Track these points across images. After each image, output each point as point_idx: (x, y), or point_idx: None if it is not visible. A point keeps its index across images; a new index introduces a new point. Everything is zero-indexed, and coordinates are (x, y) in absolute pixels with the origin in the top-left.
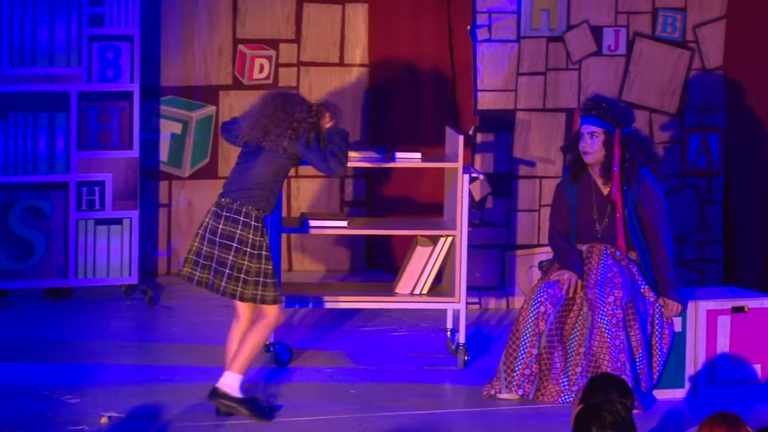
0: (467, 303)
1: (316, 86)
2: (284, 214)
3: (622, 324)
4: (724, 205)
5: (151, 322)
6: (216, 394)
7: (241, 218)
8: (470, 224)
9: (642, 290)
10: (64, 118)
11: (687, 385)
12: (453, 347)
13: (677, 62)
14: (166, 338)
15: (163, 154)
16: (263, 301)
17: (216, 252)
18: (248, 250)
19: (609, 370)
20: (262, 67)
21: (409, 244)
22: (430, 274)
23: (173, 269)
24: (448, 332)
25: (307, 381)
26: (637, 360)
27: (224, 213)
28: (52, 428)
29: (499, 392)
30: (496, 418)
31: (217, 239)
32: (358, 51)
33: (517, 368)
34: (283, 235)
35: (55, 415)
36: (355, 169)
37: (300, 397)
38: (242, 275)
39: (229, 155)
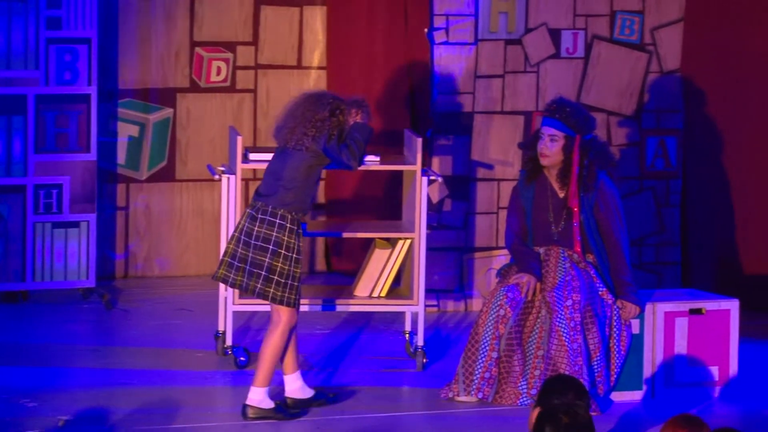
0: (425, 306)
1: (273, 89)
2: None
3: (580, 327)
4: (681, 207)
5: (109, 325)
6: (246, 411)
7: (277, 221)
8: (428, 227)
9: (600, 293)
10: (21, 121)
11: (644, 386)
12: (411, 350)
13: (635, 65)
14: (124, 341)
15: (121, 157)
16: (289, 304)
17: (251, 254)
18: (283, 252)
19: (567, 373)
20: (219, 69)
21: (368, 246)
22: (389, 277)
23: (131, 272)
24: (407, 335)
25: None
26: (595, 364)
27: (260, 216)
28: (9, 431)
29: (458, 395)
30: (454, 421)
31: (252, 241)
32: (316, 54)
33: (476, 372)
34: None
35: (12, 418)
36: None
37: None
38: (275, 277)
39: (187, 158)
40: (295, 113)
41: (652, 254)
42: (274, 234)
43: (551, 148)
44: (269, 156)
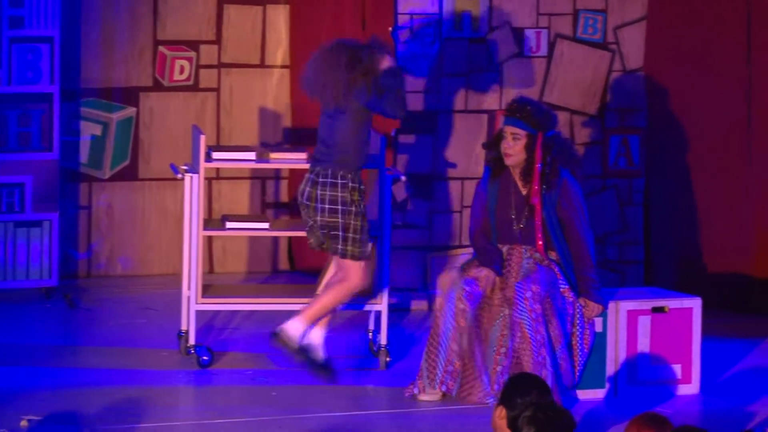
0: (389, 304)
1: (237, 88)
2: (205, 215)
3: (542, 319)
4: (644, 206)
5: (72, 324)
6: (277, 335)
7: (339, 181)
8: (392, 225)
9: (561, 290)
10: None
11: (607, 385)
12: (375, 349)
13: (598, 63)
14: (87, 341)
15: (84, 156)
16: (345, 255)
17: (326, 218)
18: (353, 209)
19: (531, 364)
20: (182, 68)
21: None
22: None
23: (94, 272)
24: (370, 334)
25: (228, 383)
26: (558, 354)
27: (320, 179)
28: None
29: (422, 391)
30: (418, 420)
31: (320, 205)
32: (279, 52)
33: (439, 365)
34: (205, 237)
35: None
36: (277, 170)
37: (221, 399)
38: (351, 234)
39: (150, 157)
40: (325, 73)
41: (615, 253)
42: (339, 194)
43: (514, 147)
44: (232, 155)
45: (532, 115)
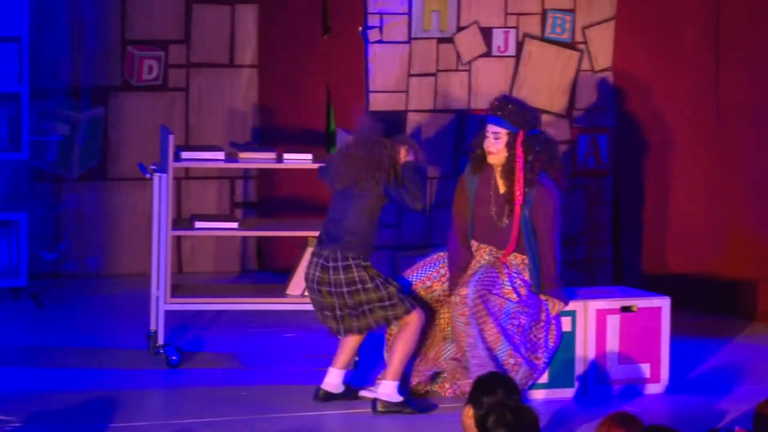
0: None
1: (205, 87)
2: (174, 215)
3: (473, 321)
4: (613, 205)
5: (41, 324)
6: (376, 405)
7: (350, 263)
8: None
9: (505, 291)
10: None
11: (576, 384)
12: None
13: (566, 63)
14: (56, 341)
15: (52, 156)
16: (407, 313)
17: (348, 301)
18: (370, 285)
19: (470, 365)
20: (151, 68)
21: (300, 245)
22: None
23: (63, 271)
24: None
25: (197, 383)
26: (498, 354)
27: (331, 264)
28: None
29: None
30: (387, 419)
31: (336, 290)
32: (248, 52)
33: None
34: (174, 237)
35: None
36: (245, 170)
37: (190, 399)
38: (379, 304)
39: (119, 157)
40: (353, 160)
41: (584, 252)
42: (356, 274)
43: (496, 145)
44: (201, 154)
45: (512, 113)
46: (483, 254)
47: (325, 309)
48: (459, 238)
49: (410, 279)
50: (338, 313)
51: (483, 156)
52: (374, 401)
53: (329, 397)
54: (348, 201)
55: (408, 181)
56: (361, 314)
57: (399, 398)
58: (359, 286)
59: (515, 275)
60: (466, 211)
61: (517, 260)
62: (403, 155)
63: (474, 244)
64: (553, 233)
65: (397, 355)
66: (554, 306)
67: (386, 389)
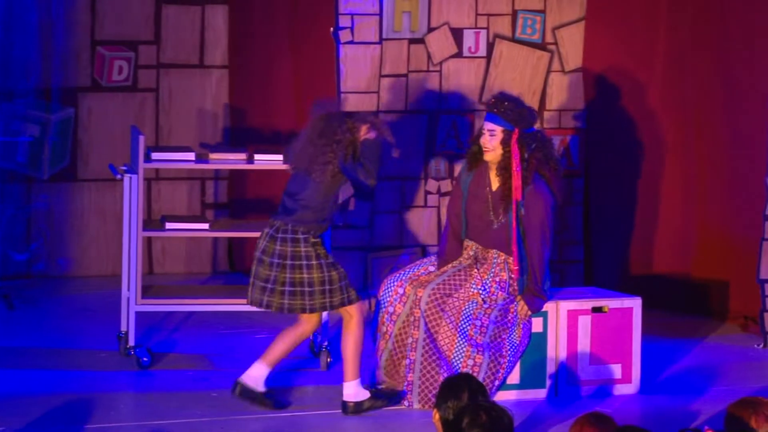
0: None
1: (176, 88)
2: (145, 216)
3: (421, 322)
4: (584, 206)
5: (10, 325)
6: (346, 407)
7: (299, 236)
8: (333, 226)
9: (471, 294)
10: None
11: (548, 384)
12: (316, 350)
13: (537, 64)
14: (26, 342)
15: (22, 157)
16: (350, 302)
17: (288, 275)
18: (314, 262)
19: (430, 365)
20: (121, 68)
21: None
22: None
23: (33, 272)
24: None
25: (168, 384)
26: (454, 357)
27: (279, 235)
28: None
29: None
30: (359, 420)
31: (278, 261)
32: (218, 52)
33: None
34: (144, 238)
35: None
36: (216, 171)
37: (162, 401)
38: (319, 287)
39: (89, 158)
40: (312, 137)
41: (555, 252)
42: (302, 249)
43: (491, 143)
44: (171, 155)
45: (508, 110)
46: (469, 251)
47: (259, 279)
48: (451, 235)
49: (398, 276)
50: (270, 286)
51: (479, 153)
52: (344, 404)
53: (246, 393)
54: (305, 176)
55: (364, 158)
56: (295, 294)
57: (366, 394)
58: (303, 261)
59: (490, 277)
60: (461, 209)
61: (500, 259)
62: (363, 132)
63: (465, 241)
64: (542, 236)
65: (348, 353)
66: (522, 308)
67: (350, 390)
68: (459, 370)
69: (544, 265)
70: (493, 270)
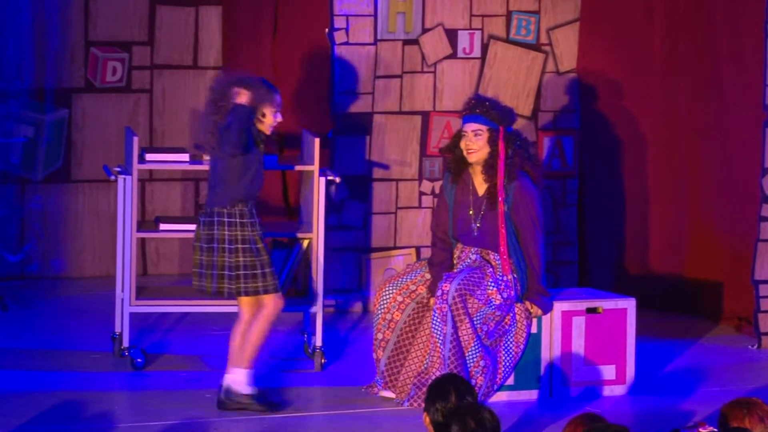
0: (324, 306)
1: (169, 89)
2: (139, 217)
3: (449, 318)
4: (578, 207)
5: (4, 327)
6: (225, 393)
7: (215, 219)
8: (327, 227)
9: (488, 292)
10: None
11: (541, 385)
12: (310, 350)
13: (531, 65)
14: (20, 343)
15: (16, 158)
16: (267, 291)
17: (203, 257)
18: (239, 246)
19: (437, 362)
20: (115, 69)
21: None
22: (287, 277)
23: (27, 273)
24: (305, 335)
25: (162, 385)
26: (469, 355)
27: (203, 219)
28: None
29: (378, 389)
30: (353, 420)
31: (205, 245)
32: (212, 53)
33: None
34: (138, 239)
35: None
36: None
37: (155, 402)
38: (242, 272)
39: (83, 159)
40: (205, 108)
41: (549, 253)
42: (226, 232)
43: (477, 142)
44: (165, 156)
45: (491, 109)
46: (468, 254)
47: (201, 266)
48: (440, 244)
49: (395, 284)
50: (205, 271)
51: (461, 159)
52: (225, 389)
53: (231, 396)
54: (212, 156)
55: (230, 122)
56: (220, 278)
57: (248, 390)
58: (227, 245)
59: (500, 277)
60: (446, 219)
61: (501, 260)
62: (238, 98)
63: (459, 246)
64: (536, 234)
65: (252, 341)
66: (534, 310)
67: (237, 377)
68: (470, 370)
69: (541, 263)
70: (499, 270)
